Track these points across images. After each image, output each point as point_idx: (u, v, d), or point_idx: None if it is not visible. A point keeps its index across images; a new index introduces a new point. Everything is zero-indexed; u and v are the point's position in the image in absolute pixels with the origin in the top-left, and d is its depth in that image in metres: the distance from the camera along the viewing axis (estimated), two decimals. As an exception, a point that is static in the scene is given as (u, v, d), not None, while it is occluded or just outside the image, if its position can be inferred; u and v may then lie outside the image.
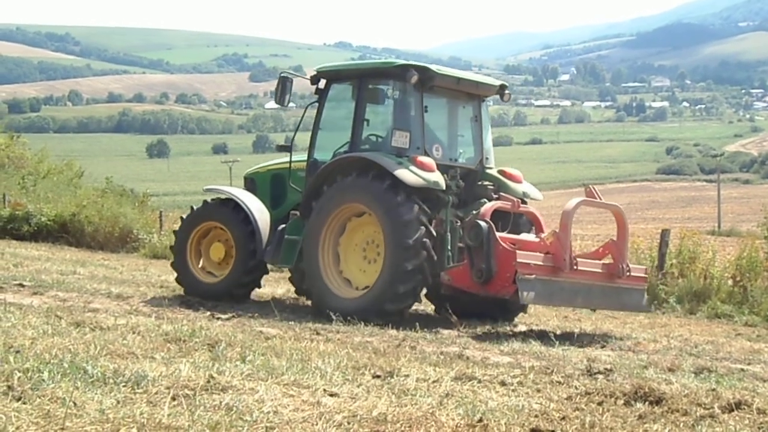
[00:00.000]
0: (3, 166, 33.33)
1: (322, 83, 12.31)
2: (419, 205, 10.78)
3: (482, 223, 10.38)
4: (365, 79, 11.75)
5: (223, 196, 12.91)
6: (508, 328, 11.10)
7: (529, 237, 11.25)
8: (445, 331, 10.22)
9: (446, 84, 11.85)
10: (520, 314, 12.20)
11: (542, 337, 10.14)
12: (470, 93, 12.28)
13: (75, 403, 4.76)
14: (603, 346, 9.89)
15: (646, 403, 5.88)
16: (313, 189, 11.61)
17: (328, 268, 11.32)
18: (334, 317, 10.51)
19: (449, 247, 11.15)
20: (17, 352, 6.11)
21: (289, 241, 11.89)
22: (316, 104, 12.38)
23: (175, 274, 13.01)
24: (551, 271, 10.21)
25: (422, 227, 10.71)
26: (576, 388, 6.48)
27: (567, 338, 10.21)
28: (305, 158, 12.38)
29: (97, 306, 10.64)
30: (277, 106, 13.09)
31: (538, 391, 6.38)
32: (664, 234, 15.85)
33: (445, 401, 5.67)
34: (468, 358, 8.24)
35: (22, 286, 12.34)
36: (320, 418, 5.00)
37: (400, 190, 10.71)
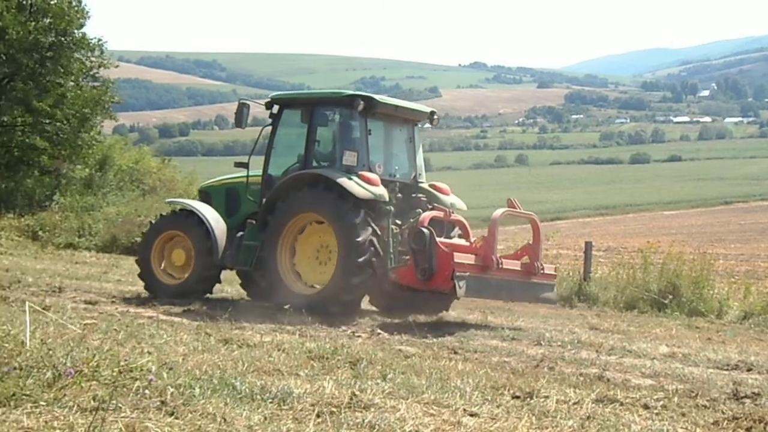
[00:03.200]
0: (155, 189, 34.65)
1: (275, 109, 13.93)
2: (365, 210, 12.47)
3: (424, 230, 11.94)
4: (317, 107, 13.47)
5: (182, 208, 14.70)
6: (649, 350, 10.86)
7: (461, 241, 12.88)
8: (585, 353, 10.09)
9: (386, 111, 13.61)
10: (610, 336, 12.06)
11: (685, 359, 9.89)
12: (406, 118, 14.06)
13: (225, 419, 4.91)
14: (749, 370, 9.56)
15: (798, 429, 5.69)
16: (271, 201, 13.15)
17: (285, 270, 12.91)
18: (287, 309, 11.55)
19: (390, 250, 12.73)
20: (170, 368, 6.35)
21: (248, 246, 13.37)
22: (270, 127, 14.03)
23: (139, 272, 14.53)
24: (481, 269, 12.02)
25: (369, 227, 12.41)
26: (723, 412, 6.32)
27: (710, 361, 9.92)
28: (260, 173, 13.87)
29: (244, 324, 10.96)
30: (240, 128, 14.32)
31: (683, 415, 6.24)
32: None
33: (587, 424, 5.62)
34: (609, 379, 8.11)
35: (173, 304, 12.86)
36: (461, 438, 5.04)
37: (348, 199, 12.42)
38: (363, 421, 5.23)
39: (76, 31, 32.32)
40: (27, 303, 7.18)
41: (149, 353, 6.88)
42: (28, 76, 31.31)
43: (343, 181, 12.51)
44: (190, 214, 14.15)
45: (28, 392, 5.26)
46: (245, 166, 14.23)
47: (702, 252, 18.74)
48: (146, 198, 31.91)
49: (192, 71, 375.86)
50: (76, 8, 32.14)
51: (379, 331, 11.14)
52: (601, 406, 6.35)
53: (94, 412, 4.79)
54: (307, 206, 12.84)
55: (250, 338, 9.25)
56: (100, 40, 33.28)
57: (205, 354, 7.55)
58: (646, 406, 6.45)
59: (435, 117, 14.49)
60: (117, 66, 34.96)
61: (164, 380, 5.84)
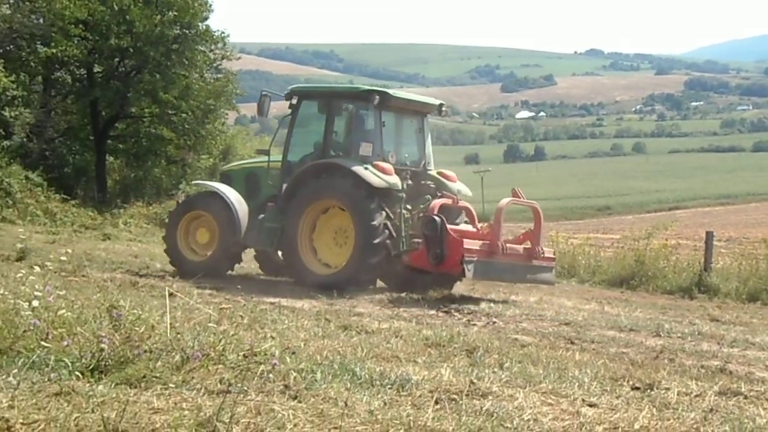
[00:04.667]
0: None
1: (295, 100, 14.89)
2: (379, 197, 13.44)
3: (436, 218, 13.05)
4: (336, 100, 14.54)
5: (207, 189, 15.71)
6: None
7: (468, 227, 13.95)
8: (706, 344, 9.90)
9: (399, 104, 14.56)
10: None
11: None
12: (416, 110, 15.00)
13: (346, 404, 5.00)
14: None
15: None
16: (291, 187, 14.11)
17: (305, 251, 13.85)
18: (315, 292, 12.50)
19: (402, 234, 13.71)
20: (293, 353, 6.52)
21: (269, 228, 14.33)
22: (289, 117, 14.97)
23: (165, 248, 15.48)
24: (488, 254, 13.00)
25: (383, 212, 13.38)
26: None
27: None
28: (279, 160, 14.84)
29: (362, 310, 11.14)
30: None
31: (810, 409, 6.07)
32: None
33: (710, 417, 5.53)
34: (731, 372, 7.94)
35: (294, 290, 13.15)
36: (581, 429, 5.02)
37: (364, 186, 13.34)
38: (481, 408, 5.27)
39: (200, 23, 33.13)
40: (167, 289, 7.50)
41: (272, 338, 7.07)
42: (155, 68, 32.23)
43: (360, 170, 13.43)
44: (215, 196, 14.99)
45: (158, 374, 5.47)
46: (266, 152, 15.29)
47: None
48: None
49: (310, 62, 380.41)
50: (199, 1, 32.91)
51: (494, 320, 11.15)
52: (724, 398, 6.24)
53: (221, 395, 4.95)
54: (326, 193, 13.83)
55: (368, 325, 9.38)
56: (222, 32, 34.05)
57: (326, 340, 7.72)
58: (771, 400, 6.30)
59: (444, 109, 15.39)
60: (239, 58, 35.69)
61: (287, 365, 5.99)
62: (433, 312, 11.55)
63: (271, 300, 11.61)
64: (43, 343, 5.82)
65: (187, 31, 32.70)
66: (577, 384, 6.30)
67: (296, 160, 14.58)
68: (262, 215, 14.60)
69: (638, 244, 19.22)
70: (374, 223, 13.24)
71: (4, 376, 5.24)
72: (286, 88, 15.27)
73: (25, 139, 31.31)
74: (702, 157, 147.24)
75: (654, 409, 5.62)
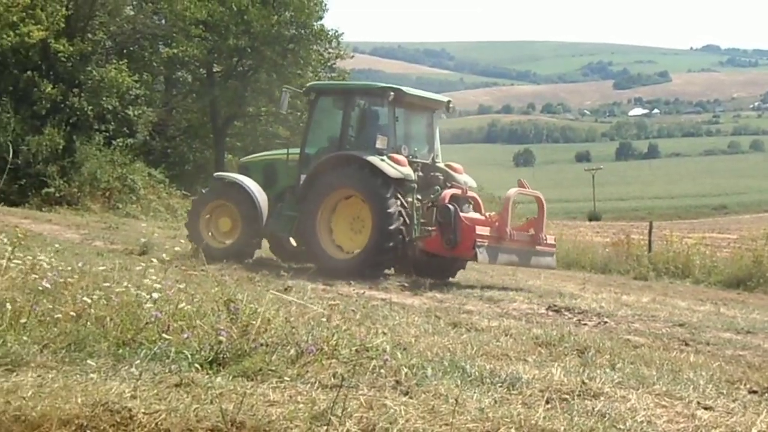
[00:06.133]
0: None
1: (313, 96, 15.96)
2: (394, 187, 14.22)
3: (450, 206, 14.14)
4: (353, 96, 15.34)
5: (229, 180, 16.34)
6: None
7: (476, 215, 14.85)
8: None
9: (411, 100, 15.47)
10: None
11: None
12: (426, 106, 15.94)
13: (456, 401, 4.99)
14: None
15: None
16: (311, 178, 14.93)
17: (324, 238, 14.68)
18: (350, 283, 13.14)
19: (414, 221, 14.50)
20: (404, 349, 6.59)
21: (287, 216, 15.29)
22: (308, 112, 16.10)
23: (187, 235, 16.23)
24: (497, 240, 14.11)
25: (398, 200, 14.22)
26: None
27: None
28: (297, 152, 15.74)
29: (471, 308, 11.15)
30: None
31: None
32: None
33: (831, 423, 5.37)
34: None
35: (404, 286, 13.29)
36: (696, 432, 4.95)
37: (380, 176, 14.19)
38: (593, 409, 5.22)
39: (315, 23, 33.62)
40: (309, 287, 7.63)
41: (384, 334, 7.14)
42: (271, 67, 32.88)
43: (377, 161, 14.31)
44: (238, 187, 15.79)
45: (273, 368, 5.61)
46: (285, 145, 16.69)
47: None
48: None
49: (421, 60, 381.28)
50: (315, 1, 33.39)
51: (606, 320, 11.01)
52: None
53: (334, 389, 5.04)
54: (344, 183, 14.72)
55: (478, 323, 9.39)
56: (336, 31, 34.48)
57: (436, 336, 7.77)
58: None
59: (451, 106, 16.40)
60: (352, 57, 36.15)
61: (398, 360, 6.05)
62: (542, 311, 11.48)
63: (383, 296, 11.72)
64: (164, 335, 6.03)
65: (302, 31, 33.22)
66: (692, 386, 6.19)
67: (313, 152, 15.45)
68: (280, 204, 15.55)
69: (756, 244, 18.72)
70: (390, 210, 14.10)
71: (126, 367, 5.46)
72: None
73: (147, 137, 32.41)
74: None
75: (772, 414, 5.48)
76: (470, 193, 15.26)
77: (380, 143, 14.69)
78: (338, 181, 14.76)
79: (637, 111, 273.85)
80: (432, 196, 14.94)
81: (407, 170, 14.48)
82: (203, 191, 17.24)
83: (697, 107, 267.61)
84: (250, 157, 18.24)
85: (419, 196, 14.79)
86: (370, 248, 14.31)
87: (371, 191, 14.33)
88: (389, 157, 14.48)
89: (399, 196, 14.29)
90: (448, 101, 16.36)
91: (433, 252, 14.60)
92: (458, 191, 14.91)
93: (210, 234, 16.03)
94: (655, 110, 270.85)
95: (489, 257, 14.19)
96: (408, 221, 14.36)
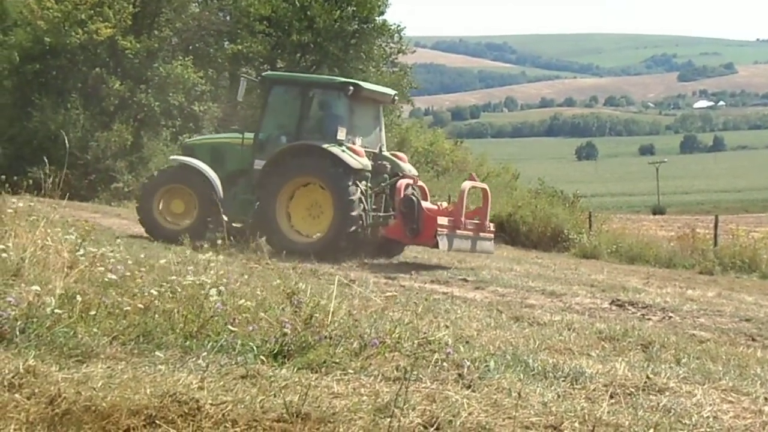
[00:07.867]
0: (448, 170, 35.46)
1: (267, 85, 16.91)
2: (353, 176, 15.15)
3: (413, 198, 15.25)
4: (312, 88, 16.29)
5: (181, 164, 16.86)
6: None
7: (432, 206, 15.77)
8: None
9: (365, 94, 16.26)
10: None
11: None
12: (376, 99, 16.98)
13: (519, 395, 5.01)
14: None
15: None
16: (270, 165, 15.61)
17: (283, 223, 15.44)
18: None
19: (367, 208, 15.42)
20: (466, 342, 6.61)
21: (242, 200, 16.00)
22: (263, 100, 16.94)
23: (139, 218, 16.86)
24: (453, 228, 15.06)
25: (358, 188, 15.16)
26: None
27: None
28: (248, 137, 16.45)
29: (533, 302, 11.09)
30: None
31: None
32: None
33: None
34: None
35: (466, 281, 13.21)
36: (763, 428, 4.89)
37: (341, 166, 15.12)
38: (658, 404, 5.19)
39: (377, 18, 33.67)
40: (371, 280, 7.66)
41: (446, 327, 7.17)
42: (334, 63, 33.02)
43: (338, 152, 15.22)
44: (192, 170, 16.33)
45: (337, 360, 5.67)
46: (239, 132, 17.19)
47: None
48: (440, 178, 32.72)
49: (483, 54, 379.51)
50: (377, -4, 33.47)
51: (670, 314, 10.88)
52: None
53: (397, 382, 5.08)
54: (304, 171, 15.54)
55: (540, 317, 9.35)
56: (398, 26, 34.50)
57: (498, 330, 7.76)
58: None
59: (395, 99, 17.95)
60: (414, 51, 36.16)
61: (461, 354, 6.08)
62: (606, 305, 11.38)
63: (444, 290, 11.73)
64: (229, 327, 6.12)
65: (364, 26, 33.32)
66: (759, 382, 6.11)
67: (266, 138, 16.15)
68: (233, 188, 16.23)
69: (827, 238, 18.33)
70: (352, 198, 15.08)
71: (194, 359, 5.56)
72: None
73: (213, 133, 32.74)
74: None
75: (843, 412, 5.39)
76: (420, 183, 16.21)
77: (341, 134, 15.54)
78: (298, 170, 15.56)
79: (702, 103, 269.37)
80: (383, 184, 16.05)
81: (365, 161, 15.54)
82: (155, 174, 18.27)
83: (764, 99, 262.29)
84: (194, 139, 19.57)
85: (369, 184, 15.71)
86: (332, 232, 15.16)
87: (332, 180, 15.20)
88: (349, 148, 15.43)
89: (358, 184, 15.24)
90: (394, 94, 17.70)
91: (393, 239, 15.70)
92: (410, 180, 15.91)
93: (162, 216, 16.58)
94: (721, 102, 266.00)
95: (448, 244, 15.08)
96: (366, 208, 15.37)
